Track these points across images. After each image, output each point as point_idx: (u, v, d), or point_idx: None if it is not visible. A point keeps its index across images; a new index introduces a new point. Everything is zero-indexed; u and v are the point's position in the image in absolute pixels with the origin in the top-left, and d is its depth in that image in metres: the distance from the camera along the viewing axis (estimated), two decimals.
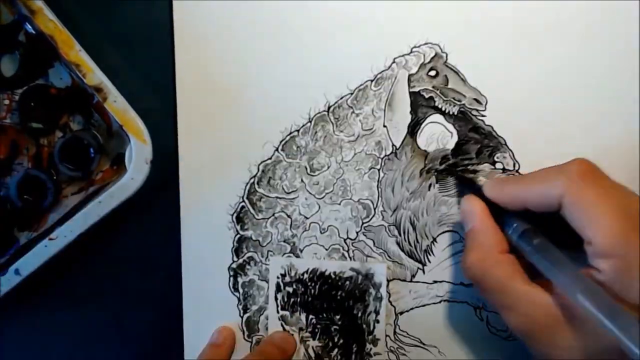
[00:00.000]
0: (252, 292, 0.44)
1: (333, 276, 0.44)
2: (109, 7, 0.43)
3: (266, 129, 0.44)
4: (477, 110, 0.43)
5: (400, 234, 0.44)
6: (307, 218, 0.44)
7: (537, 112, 0.43)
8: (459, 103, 0.43)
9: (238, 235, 0.44)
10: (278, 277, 0.44)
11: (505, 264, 0.37)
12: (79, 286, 0.44)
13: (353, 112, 0.43)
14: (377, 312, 0.44)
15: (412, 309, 0.44)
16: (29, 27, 0.41)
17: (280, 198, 0.44)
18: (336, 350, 0.44)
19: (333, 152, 0.44)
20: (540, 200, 0.37)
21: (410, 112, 0.43)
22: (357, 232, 0.44)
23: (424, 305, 0.44)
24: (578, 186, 0.35)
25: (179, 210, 0.44)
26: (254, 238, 0.44)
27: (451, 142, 0.43)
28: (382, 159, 0.44)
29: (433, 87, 0.43)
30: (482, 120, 0.43)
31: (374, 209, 0.44)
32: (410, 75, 0.43)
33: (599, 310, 0.31)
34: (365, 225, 0.44)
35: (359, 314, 0.44)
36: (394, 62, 0.43)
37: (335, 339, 0.44)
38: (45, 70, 0.41)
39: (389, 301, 0.44)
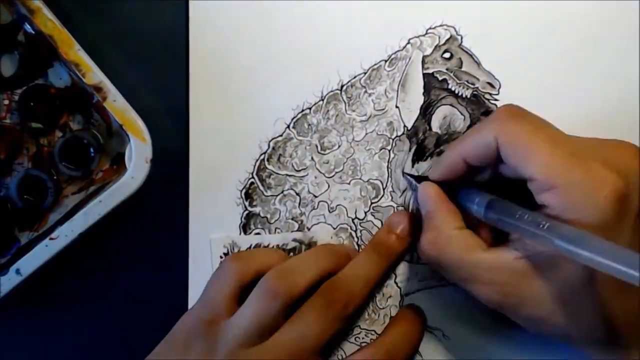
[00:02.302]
0: None
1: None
2: (109, 6, 0.43)
3: (278, 106, 0.43)
4: (490, 94, 0.43)
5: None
6: (315, 196, 0.44)
7: (550, 98, 0.43)
8: (472, 86, 0.43)
9: (246, 212, 0.44)
10: (221, 257, 0.43)
11: (459, 238, 0.38)
12: (81, 286, 0.44)
13: (366, 91, 0.43)
14: None
15: (417, 290, 0.44)
16: (27, 26, 0.40)
17: (289, 175, 0.44)
18: None
19: (344, 131, 0.44)
20: (478, 151, 0.37)
21: (423, 94, 0.43)
22: (365, 212, 0.44)
23: (429, 288, 0.44)
24: (509, 126, 0.36)
25: (187, 209, 0.43)
26: (262, 215, 0.44)
27: (463, 125, 0.43)
28: (393, 139, 0.43)
29: (447, 69, 0.43)
30: (494, 104, 0.43)
31: (383, 190, 0.44)
32: (424, 57, 0.43)
33: (579, 248, 0.31)
34: (374, 205, 0.44)
35: None
36: (408, 42, 0.43)
37: None
38: (44, 70, 0.41)
39: (395, 282, 0.44)
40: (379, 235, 0.43)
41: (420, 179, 0.42)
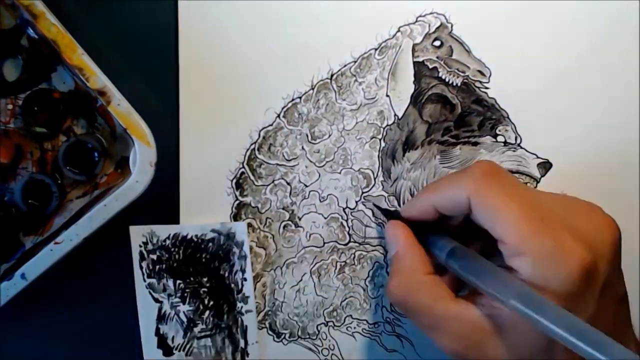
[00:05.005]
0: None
1: (195, 239, 0.43)
2: (111, 10, 0.43)
3: (268, 95, 0.43)
4: (481, 82, 0.43)
5: (399, 205, 0.44)
6: (306, 186, 0.44)
7: (541, 86, 0.43)
8: (462, 74, 0.43)
9: (237, 201, 0.44)
10: (140, 246, 0.43)
11: (429, 285, 0.37)
12: (82, 288, 0.44)
13: (356, 80, 0.43)
14: (243, 271, 0.43)
15: None
16: (31, 31, 0.40)
17: (280, 165, 0.44)
18: (208, 312, 0.44)
19: (335, 120, 0.43)
20: (450, 205, 0.37)
21: (414, 82, 0.43)
22: (356, 202, 0.44)
23: None
24: (482, 187, 0.35)
25: (179, 212, 0.43)
26: (252, 204, 0.44)
27: (454, 113, 0.43)
28: (384, 128, 0.43)
29: (437, 57, 0.43)
30: (485, 92, 0.43)
31: (374, 179, 0.44)
32: (414, 45, 0.43)
33: (533, 312, 0.32)
34: (364, 194, 0.44)
35: (226, 274, 0.44)
36: (398, 31, 0.43)
37: (206, 301, 0.44)
38: (48, 74, 0.41)
39: (386, 272, 0.44)
40: None
41: (389, 213, 0.42)
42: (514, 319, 0.34)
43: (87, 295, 0.44)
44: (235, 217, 0.44)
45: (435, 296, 0.36)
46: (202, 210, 0.44)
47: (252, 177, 0.44)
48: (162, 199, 0.43)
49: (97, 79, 0.39)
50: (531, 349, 0.34)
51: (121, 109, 0.40)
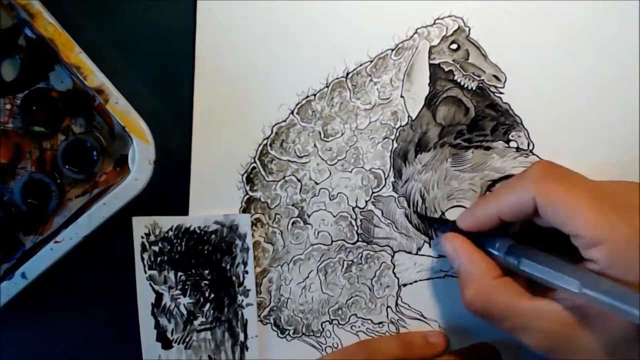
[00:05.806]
0: (256, 254, 0.44)
1: (198, 231, 0.43)
2: (108, 8, 0.42)
3: (282, 91, 0.43)
4: (496, 87, 0.43)
5: (409, 206, 0.44)
6: (317, 183, 0.44)
7: (555, 93, 0.43)
8: (478, 78, 0.43)
9: (247, 196, 0.44)
10: (142, 237, 0.43)
11: (503, 287, 0.37)
12: (84, 287, 0.44)
13: (371, 80, 0.43)
14: (245, 263, 0.43)
15: (415, 281, 0.44)
16: (28, 31, 0.40)
17: (291, 161, 0.44)
18: (208, 304, 0.44)
19: (348, 119, 0.43)
20: (515, 210, 0.37)
21: (429, 84, 0.43)
22: (366, 201, 0.44)
23: (427, 279, 0.44)
24: (546, 186, 0.36)
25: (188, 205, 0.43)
26: (262, 200, 0.44)
27: (467, 117, 0.43)
28: (396, 129, 0.43)
29: (453, 60, 0.43)
30: (499, 97, 0.43)
31: (385, 179, 0.44)
32: (431, 47, 0.43)
33: (608, 297, 0.32)
34: (375, 194, 0.44)
35: (228, 267, 0.44)
36: (416, 32, 0.43)
37: (207, 294, 0.44)
38: (46, 73, 0.41)
39: (393, 273, 0.44)
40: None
41: (444, 224, 0.43)
42: (597, 308, 0.34)
43: (88, 293, 0.44)
44: (245, 211, 0.44)
45: (512, 296, 0.37)
46: (212, 204, 0.43)
47: (263, 173, 0.44)
48: (171, 192, 0.43)
49: (95, 77, 0.39)
50: (621, 336, 0.34)
51: (119, 107, 0.40)
